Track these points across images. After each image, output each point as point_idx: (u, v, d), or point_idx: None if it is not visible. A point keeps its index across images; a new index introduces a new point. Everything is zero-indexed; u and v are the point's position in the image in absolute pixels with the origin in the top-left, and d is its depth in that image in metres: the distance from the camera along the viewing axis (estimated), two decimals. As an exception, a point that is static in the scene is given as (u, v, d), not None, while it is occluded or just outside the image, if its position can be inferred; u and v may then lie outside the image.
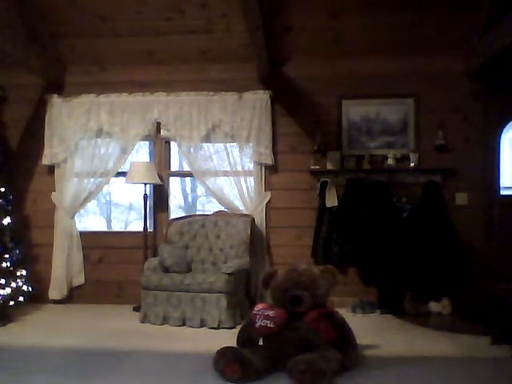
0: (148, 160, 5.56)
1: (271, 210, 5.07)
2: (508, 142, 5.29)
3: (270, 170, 5.06)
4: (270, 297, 3.10)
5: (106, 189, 6.39)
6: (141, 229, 5.08)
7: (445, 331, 3.90)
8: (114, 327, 4.08)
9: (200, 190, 10.54)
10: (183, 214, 6.26)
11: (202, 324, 4.06)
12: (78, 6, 4.79)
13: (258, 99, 5.00)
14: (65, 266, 5.11)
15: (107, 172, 5.16)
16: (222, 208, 5.08)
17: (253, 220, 4.82)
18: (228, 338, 3.26)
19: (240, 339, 3.04)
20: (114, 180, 5.44)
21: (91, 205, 7.05)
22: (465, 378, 2.75)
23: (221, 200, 5.07)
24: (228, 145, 5.09)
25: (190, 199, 10.94)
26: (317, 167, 4.96)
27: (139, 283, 4.36)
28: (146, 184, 5.01)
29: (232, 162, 5.06)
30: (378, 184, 4.84)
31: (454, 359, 3.14)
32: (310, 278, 2.96)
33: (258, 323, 2.86)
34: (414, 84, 4.97)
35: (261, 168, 5.02)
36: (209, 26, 4.88)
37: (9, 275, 4.27)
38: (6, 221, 4.38)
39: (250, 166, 5.07)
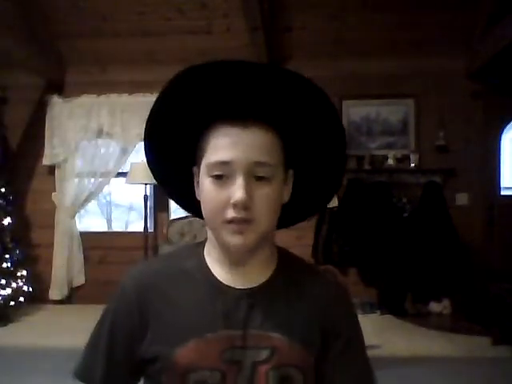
0: (148, 160, 5.55)
1: (271, 210, 5.06)
2: (508, 142, 5.29)
3: (271, 170, 5.05)
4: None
5: (106, 189, 6.38)
6: (141, 229, 5.08)
7: (445, 331, 3.90)
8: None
9: (200, 191, 10.53)
10: (184, 214, 6.26)
11: (203, 324, 4.05)
12: (78, 6, 4.79)
13: (259, 99, 5.00)
14: (65, 267, 5.10)
15: (108, 172, 5.16)
16: (223, 208, 5.08)
17: (253, 220, 4.81)
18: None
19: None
20: (114, 180, 5.44)
21: (91, 205, 7.04)
22: (465, 378, 2.75)
23: (221, 200, 5.07)
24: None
25: (190, 199, 10.93)
26: (317, 167, 4.95)
27: (139, 283, 4.35)
28: (146, 184, 5.00)
29: (232, 162, 5.05)
30: (378, 184, 4.84)
31: (454, 359, 3.14)
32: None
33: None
34: (414, 84, 4.96)
35: (261, 168, 5.02)
36: (209, 26, 4.88)
37: (9, 275, 4.27)
38: (7, 221, 4.39)
39: (250, 166, 5.06)
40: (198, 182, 0.86)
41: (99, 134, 5.18)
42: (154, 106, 0.85)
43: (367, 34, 4.83)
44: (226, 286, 0.85)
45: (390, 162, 4.86)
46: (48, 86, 5.29)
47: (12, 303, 4.27)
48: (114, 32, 4.97)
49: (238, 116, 0.80)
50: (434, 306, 4.59)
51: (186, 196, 0.92)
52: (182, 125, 0.86)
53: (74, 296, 5.19)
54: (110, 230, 8.32)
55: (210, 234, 0.88)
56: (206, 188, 0.82)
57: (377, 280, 4.83)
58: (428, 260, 4.54)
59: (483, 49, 4.45)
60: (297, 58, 5.05)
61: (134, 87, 5.19)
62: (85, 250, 5.21)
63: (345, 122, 5.03)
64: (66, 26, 4.97)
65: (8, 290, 4.20)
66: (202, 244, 0.92)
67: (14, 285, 4.29)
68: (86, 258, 5.21)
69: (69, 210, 5.15)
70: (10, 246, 4.37)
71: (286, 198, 0.88)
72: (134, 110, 5.12)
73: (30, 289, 4.53)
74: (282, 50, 5.01)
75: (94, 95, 5.19)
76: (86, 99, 5.19)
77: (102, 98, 5.17)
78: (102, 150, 5.20)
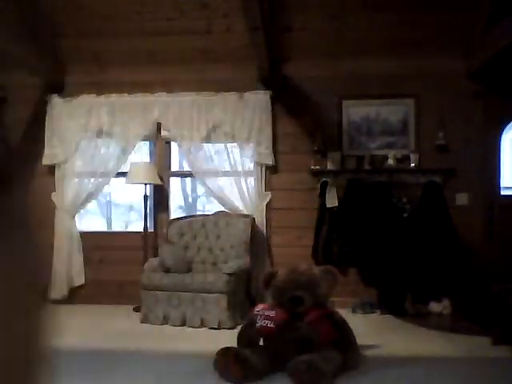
0: (148, 160, 5.57)
1: (271, 210, 5.07)
2: (508, 142, 5.29)
3: (271, 170, 5.06)
4: (271, 297, 3.10)
5: (106, 189, 6.39)
6: (141, 229, 5.08)
7: (445, 331, 3.90)
8: (114, 328, 4.08)
9: (200, 190, 10.55)
10: (183, 215, 6.26)
11: (203, 324, 4.06)
12: (78, 6, 4.80)
13: (259, 99, 5.00)
14: (65, 267, 5.11)
15: (107, 172, 5.16)
16: (223, 208, 5.08)
17: (253, 220, 4.82)
18: (228, 339, 3.26)
19: (240, 339, 3.04)
20: (114, 180, 5.44)
21: (91, 205, 7.05)
22: (465, 378, 2.75)
23: (221, 200, 5.07)
24: (228, 145, 5.09)
25: (190, 199, 10.95)
26: (317, 167, 4.96)
27: (139, 283, 4.35)
28: (146, 184, 5.01)
29: (232, 162, 5.06)
30: (378, 184, 4.84)
31: (454, 359, 3.14)
32: (310, 278, 2.96)
33: (259, 323, 2.86)
34: (414, 84, 4.96)
35: (261, 168, 5.02)
36: (209, 26, 4.88)
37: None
38: (7, 221, 4.39)
39: (250, 166, 5.07)
40: None
41: (99, 134, 5.19)
42: None
43: (367, 34, 4.84)
44: None
45: (390, 162, 4.86)
46: (48, 86, 5.30)
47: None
48: (114, 32, 4.98)
49: None
50: (434, 306, 4.59)
51: None
52: None
53: (73, 296, 5.19)
54: (110, 230, 8.31)
55: None
56: None
57: (377, 280, 4.83)
58: (428, 260, 4.54)
59: (483, 49, 4.45)
60: (297, 57, 5.05)
61: (133, 87, 5.19)
62: (85, 250, 5.21)
63: (345, 121, 5.04)
64: (66, 26, 4.98)
65: (8, 290, 4.20)
66: None
67: (13, 285, 4.29)
68: (85, 258, 5.21)
69: (69, 210, 5.15)
70: (9, 245, 4.37)
71: None
72: (133, 109, 5.13)
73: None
74: (282, 50, 5.02)
75: (94, 95, 5.19)
76: (86, 99, 5.20)
77: (102, 97, 5.17)
78: (102, 150, 5.20)
